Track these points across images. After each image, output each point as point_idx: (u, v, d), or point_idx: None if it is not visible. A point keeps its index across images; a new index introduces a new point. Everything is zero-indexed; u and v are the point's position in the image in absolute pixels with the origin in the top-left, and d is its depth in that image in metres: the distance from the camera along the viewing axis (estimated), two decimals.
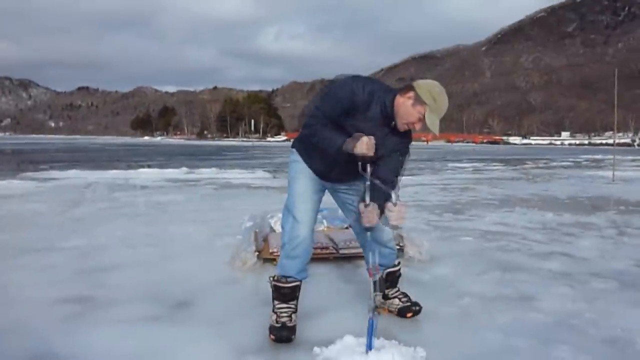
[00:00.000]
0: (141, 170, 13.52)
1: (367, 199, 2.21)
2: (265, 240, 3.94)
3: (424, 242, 3.92)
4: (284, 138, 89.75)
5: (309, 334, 2.35)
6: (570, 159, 26.22)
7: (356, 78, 2.26)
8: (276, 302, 2.42)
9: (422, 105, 2.15)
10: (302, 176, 2.45)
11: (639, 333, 2.37)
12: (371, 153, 2.15)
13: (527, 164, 21.21)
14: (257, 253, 3.60)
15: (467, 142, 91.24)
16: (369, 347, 2.08)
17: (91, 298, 2.87)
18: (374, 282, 2.63)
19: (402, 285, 2.72)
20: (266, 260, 3.57)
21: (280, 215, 4.27)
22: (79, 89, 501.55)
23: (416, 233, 4.43)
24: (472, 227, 5.23)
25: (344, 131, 2.22)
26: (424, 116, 2.15)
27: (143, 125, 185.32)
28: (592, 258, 3.92)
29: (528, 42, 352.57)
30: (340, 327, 2.35)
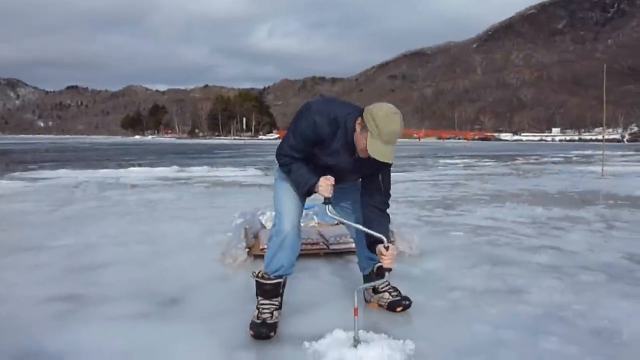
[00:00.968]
0: (132, 169, 13.46)
1: (386, 240, 2.21)
2: (256, 237, 3.95)
3: (415, 237, 3.93)
4: (276, 136, 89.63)
5: (300, 329, 2.35)
6: (561, 155, 26.44)
7: (319, 109, 2.23)
8: (260, 298, 2.41)
9: (367, 131, 2.09)
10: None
11: (626, 324, 2.40)
12: (328, 195, 2.19)
13: (518, 160, 21.35)
14: (247, 250, 3.61)
15: (459, 139, 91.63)
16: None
17: (82, 296, 2.85)
18: (366, 277, 2.65)
19: (393, 280, 2.73)
20: (257, 257, 3.57)
21: (270, 212, 4.29)
22: (69, 88, 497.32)
23: (407, 228, 4.45)
24: (463, 222, 5.26)
25: (318, 161, 2.28)
26: (367, 146, 2.08)
27: (134, 124, 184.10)
28: (581, 251, 3.96)
29: (519, 39, 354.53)
30: (330, 322, 2.35)
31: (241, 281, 3.13)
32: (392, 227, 3.89)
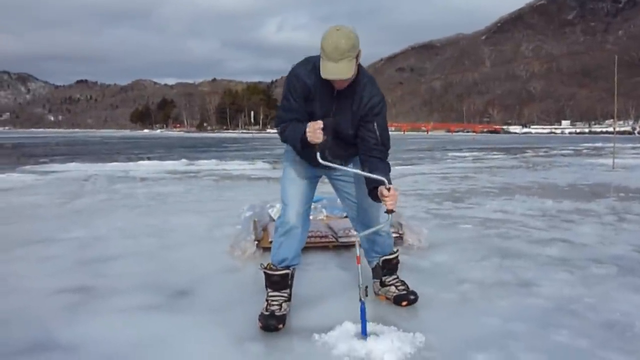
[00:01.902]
0: (141, 162, 13.52)
1: (387, 182, 2.14)
2: (265, 229, 3.95)
3: (424, 229, 3.92)
4: None
5: (309, 321, 2.35)
6: (571, 147, 26.20)
7: (299, 64, 2.26)
8: (268, 289, 2.42)
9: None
10: (294, 163, 2.46)
11: (638, 317, 2.38)
12: (317, 139, 2.11)
13: (527, 152, 21.19)
14: (256, 242, 3.61)
15: (467, 132, 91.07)
16: (364, 333, 2.09)
17: (92, 288, 2.87)
18: (373, 269, 2.65)
19: (402, 272, 2.73)
20: (265, 249, 3.57)
21: (279, 204, 4.29)
22: (78, 82, 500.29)
23: (416, 221, 4.43)
24: (472, 215, 5.24)
25: (313, 118, 2.20)
26: (321, 68, 2.08)
27: (142, 118, 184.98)
28: (592, 244, 3.92)
29: (528, 31, 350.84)
30: (339, 314, 2.36)
31: (250, 273, 3.14)
32: (400, 220, 3.91)
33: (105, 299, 2.70)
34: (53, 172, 10.63)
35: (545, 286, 2.87)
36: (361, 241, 2.61)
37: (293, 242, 2.41)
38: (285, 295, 2.42)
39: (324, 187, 2.54)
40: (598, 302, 2.61)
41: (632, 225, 4.68)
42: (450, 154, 19.87)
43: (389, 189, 2.12)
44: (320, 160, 2.19)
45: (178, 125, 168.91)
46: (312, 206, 3.28)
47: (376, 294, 2.69)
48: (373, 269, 2.69)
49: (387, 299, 2.62)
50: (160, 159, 15.15)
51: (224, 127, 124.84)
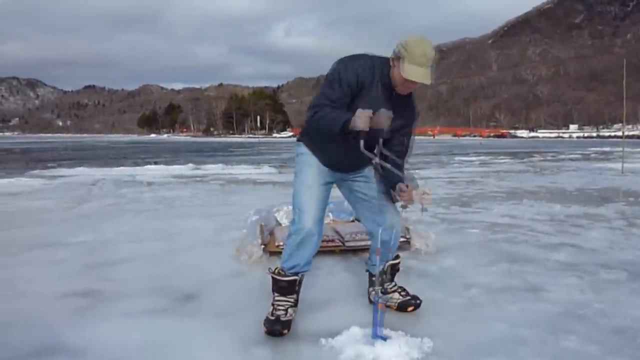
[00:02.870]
0: (147, 166, 13.56)
1: (405, 180, 2.18)
2: (271, 233, 3.95)
3: (431, 234, 3.90)
4: (290, 134, 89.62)
5: (316, 326, 2.34)
6: (579, 152, 26.02)
7: (355, 57, 2.25)
8: (275, 294, 2.39)
9: (399, 60, 2.11)
10: (309, 168, 2.39)
11: None
12: (364, 127, 2.04)
13: (534, 156, 21.07)
14: (262, 246, 3.60)
15: (474, 136, 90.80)
16: (375, 335, 2.07)
17: (99, 292, 2.88)
18: (379, 273, 2.60)
19: (410, 277, 2.72)
20: (272, 253, 3.57)
21: (285, 208, 4.28)
22: (86, 87, 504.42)
23: (423, 226, 4.41)
24: (479, 220, 5.21)
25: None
26: (402, 71, 2.09)
27: (149, 123, 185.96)
28: (601, 249, 3.89)
29: (535, 34, 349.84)
30: (346, 318, 2.35)
31: (256, 277, 3.13)
32: (407, 224, 3.89)
33: (112, 302, 2.71)
34: (61, 176, 10.69)
35: (554, 291, 2.84)
36: (373, 246, 2.56)
37: (307, 249, 2.36)
38: (292, 300, 2.39)
39: (332, 192, 2.52)
40: (608, 307, 2.58)
41: None
42: (457, 158, 19.79)
43: (407, 186, 2.16)
44: (363, 149, 2.12)
45: (185, 129, 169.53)
46: None
47: (373, 301, 2.59)
48: (374, 275, 2.62)
49: (388, 306, 2.48)
50: (167, 163, 15.20)
51: (230, 132, 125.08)
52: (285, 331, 2.24)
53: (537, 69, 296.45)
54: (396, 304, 2.55)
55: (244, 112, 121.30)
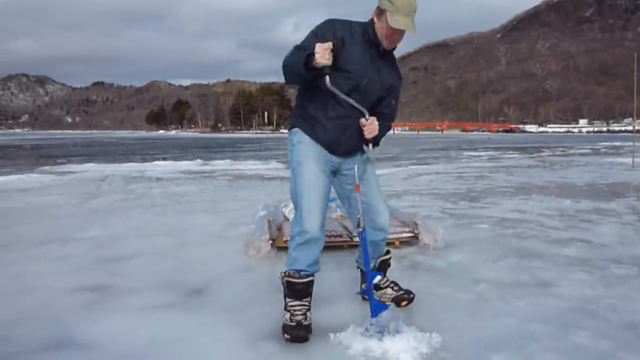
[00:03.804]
0: (156, 162, 13.64)
1: (367, 115, 2.23)
2: (279, 229, 3.95)
3: (439, 229, 3.88)
4: None
5: (324, 321, 2.33)
6: (588, 146, 25.80)
7: (334, 18, 2.28)
8: (289, 299, 2.25)
9: (384, 13, 2.14)
10: (309, 160, 2.26)
11: None
12: (325, 61, 2.01)
13: (543, 151, 20.92)
14: (270, 241, 3.61)
15: (483, 131, 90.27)
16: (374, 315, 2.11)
17: (108, 286, 2.90)
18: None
19: (418, 272, 2.71)
20: (280, 248, 3.57)
21: (292, 204, 4.28)
22: (95, 84, 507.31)
23: (431, 221, 4.40)
24: (488, 215, 5.18)
25: (338, 72, 2.16)
26: (388, 21, 2.12)
27: (158, 119, 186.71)
28: (611, 244, 3.85)
29: (544, 28, 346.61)
30: (354, 313, 2.35)
31: (264, 272, 3.14)
32: (416, 219, 3.88)
33: (122, 297, 2.72)
34: (70, 172, 10.77)
35: (564, 286, 2.82)
36: (362, 243, 2.36)
37: (312, 251, 2.26)
38: (307, 304, 2.26)
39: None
40: (618, 302, 2.55)
41: None
42: (466, 153, 19.70)
43: (367, 119, 2.21)
44: (329, 86, 2.10)
45: (192, 125, 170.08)
46: None
47: (361, 295, 2.56)
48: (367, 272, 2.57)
49: (382, 302, 2.38)
50: (175, 159, 15.27)
51: (238, 128, 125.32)
52: (309, 336, 2.15)
53: (547, 63, 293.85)
54: (390, 299, 2.52)
55: (252, 107, 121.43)
